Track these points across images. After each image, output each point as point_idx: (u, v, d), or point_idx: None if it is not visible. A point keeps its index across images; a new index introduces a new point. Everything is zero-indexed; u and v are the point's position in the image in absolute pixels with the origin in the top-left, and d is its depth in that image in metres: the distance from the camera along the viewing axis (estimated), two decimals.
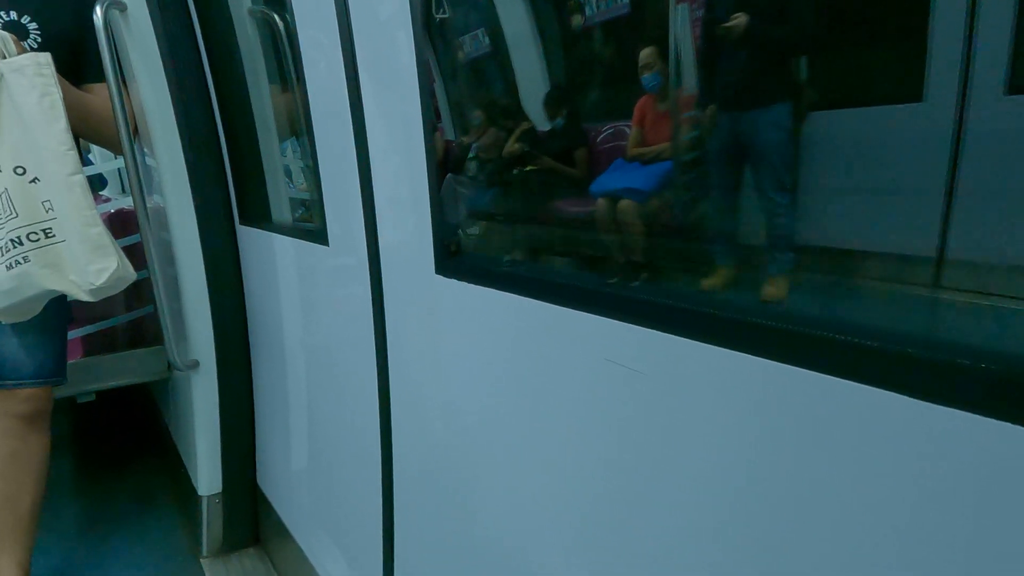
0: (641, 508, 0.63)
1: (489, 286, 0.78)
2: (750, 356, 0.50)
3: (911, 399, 0.41)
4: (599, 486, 0.68)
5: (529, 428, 0.77)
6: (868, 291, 0.56)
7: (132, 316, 2.10)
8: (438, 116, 0.88)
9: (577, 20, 0.77)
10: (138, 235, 1.68)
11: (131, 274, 1.31)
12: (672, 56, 0.65)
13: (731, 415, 0.53)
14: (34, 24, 1.39)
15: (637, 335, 0.59)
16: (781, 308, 0.55)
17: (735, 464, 0.53)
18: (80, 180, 1.24)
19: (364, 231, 1.03)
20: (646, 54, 0.66)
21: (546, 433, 0.74)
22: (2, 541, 1.49)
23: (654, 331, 0.58)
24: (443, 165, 0.87)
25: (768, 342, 0.49)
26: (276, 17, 1.39)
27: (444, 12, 0.85)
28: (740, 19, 0.57)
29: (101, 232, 1.25)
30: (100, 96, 1.51)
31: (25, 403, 1.45)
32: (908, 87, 0.51)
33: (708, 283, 0.63)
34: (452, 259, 0.85)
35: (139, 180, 1.49)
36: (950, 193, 0.50)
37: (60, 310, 1.48)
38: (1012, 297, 0.46)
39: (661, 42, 0.66)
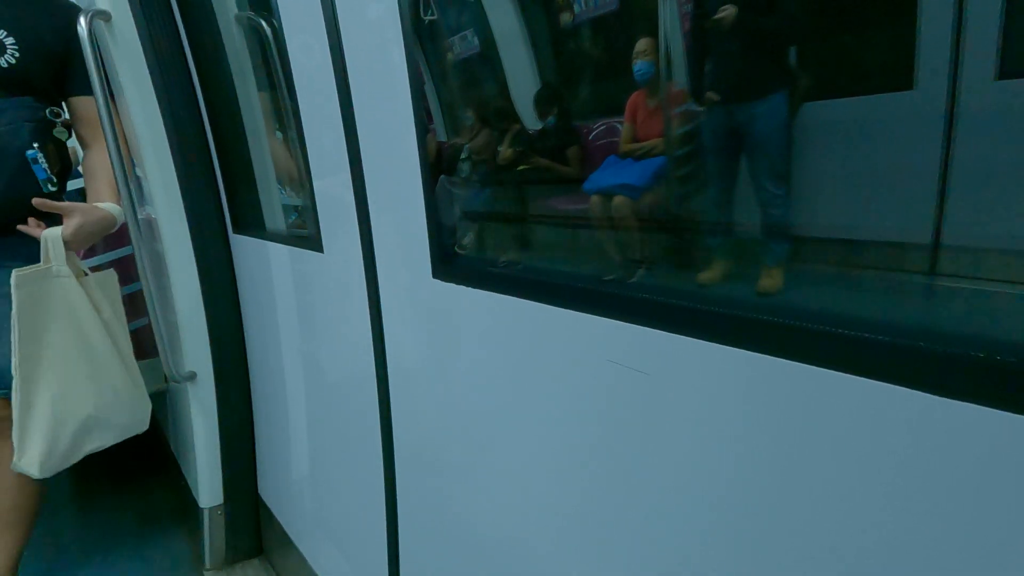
0: (649, 507, 0.63)
1: (487, 289, 0.78)
2: (753, 353, 0.50)
3: (916, 392, 0.41)
4: (605, 488, 0.67)
5: (533, 432, 0.76)
6: (867, 281, 0.56)
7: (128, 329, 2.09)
8: (430, 118, 0.87)
9: (567, 17, 0.77)
10: (130, 247, 1.67)
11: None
12: (663, 49, 0.65)
13: (736, 413, 0.53)
14: (11, 39, 1.38)
15: (640, 335, 0.59)
16: (783, 303, 0.55)
17: (742, 462, 0.53)
18: None
19: (359, 237, 1.03)
20: (637, 44, 0.66)
21: (550, 437, 0.74)
22: None
23: (657, 331, 0.57)
24: (437, 168, 0.86)
25: (771, 338, 0.49)
26: (263, 23, 1.38)
27: (433, 13, 0.84)
28: (730, 9, 0.57)
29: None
30: (87, 110, 1.51)
31: None
32: (898, 75, 0.52)
33: (710, 279, 0.62)
34: (449, 263, 0.85)
35: (130, 191, 1.48)
36: (944, 180, 0.50)
37: None
38: (1010, 282, 0.46)
39: (652, 35, 0.66)
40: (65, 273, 1.41)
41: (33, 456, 1.41)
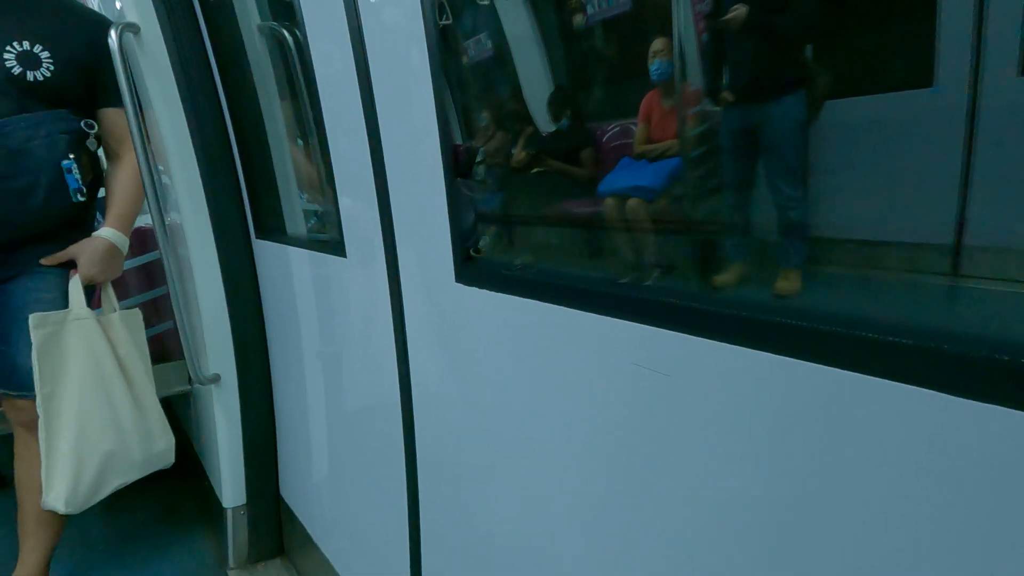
0: (674, 512, 0.62)
1: (510, 293, 0.78)
2: (777, 356, 0.49)
3: (943, 395, 0.40)
4: (629, 492, 0.67)
5: (557, 436, 0.77)
6: (889, 283, 0.55)
7: (153, 332, 2.14)
8: (464, 123, 0.88)
9: (579, 19, 0.77)
10: (157, 252, 1.71)
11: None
12: (677, 49, 0.65)
13: (761, 416, 0.52)
14: (46, 53, 1.42)
15: (663, 338, 0.59)
16: (807, 306, 0.54)
17: (768, 465, 0.53)
18: None
19: (382, 241, 1.04)
20: (654, 43, 0.66)
21: (574, 440, 0.74)
22: (23, 536, 1.61)
23: (680, 334, 0.57)
24: (461, 173, 0.86)
25: (795, 341, 0.48)
26: (287, 34, 1.41)
27: (452, 19, 0.85)
28: (741, 8, 0.56)
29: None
30: (114, 122, 1.55)
31: (25, 412, 1.53)
32: (918, 73, 0.51)
33: (727, 282, 0.62)
34: (471, 267, 0.85)
35: (157, 198, 1.52)
36: (966, 179, 0.49)
37: None
38: None
39: (667, 34, 0.66)
40: (84, 315, 1.49)
41: (59, 492, 1.47)
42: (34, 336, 1.43)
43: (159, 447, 1.64)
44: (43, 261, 1.50)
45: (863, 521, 0.46)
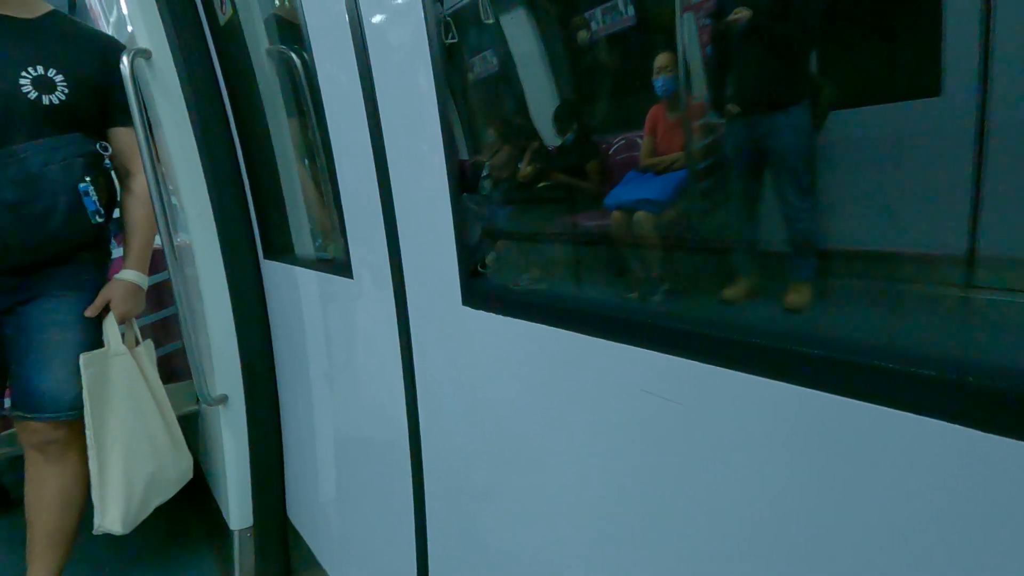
0: (682, 540, 0.61)
1: (517, 317, 0.77)
2: (791, 385, 0.48)
3: (960, 427, 0.39)
4: (639, 520, 0.66)
5: (565, 462, 0.75)
6: (901, 297, 0.54)
7: (162, 352, 2.14)
8: (470, 140, 0.88)
9: (584, 35, 0.78)
10: (166, 272, 1.73)
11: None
12: (682, 63, 0.65)
13: (773, 446, 0.51)
14: (60, 76, 1.45)
15: (674, 365, 0.58)
16: (820, 334, 0.53)
17: (780, 496, 0.51)
18: None
19: (388, 263, 1.04)
20: (658, 59, 0.66)
21: (584, 467, 0.73)
22: (31, 558, 1.61)
23: (693, 362, 0.56)
24: (466, 190, 0.86)
25: (808, 371, 0.47)
26: (295, 57, 1.43)
27: (457, 38, 0.86)
28: (744, 12, 0.56)
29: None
30: (123, 143, 1.58)
31: (38, 433, 1.55)
32: (925, 82, 0.51)
33: (735, 296, 0.61)
34: (478, 290, 0.85)
35: (166, 219, 1.53)
36: (977, 189, 0.49)
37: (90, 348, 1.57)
38: None
39: (672, 49, 0.66)
40: (121, 351, 1.61)
41: (115, 515, 1.59)
42: (84, 375, 1.52)
43: (184, 465, 1.77)
44: (86, 313, 1.56)
45: (886, 557, 0.44)
